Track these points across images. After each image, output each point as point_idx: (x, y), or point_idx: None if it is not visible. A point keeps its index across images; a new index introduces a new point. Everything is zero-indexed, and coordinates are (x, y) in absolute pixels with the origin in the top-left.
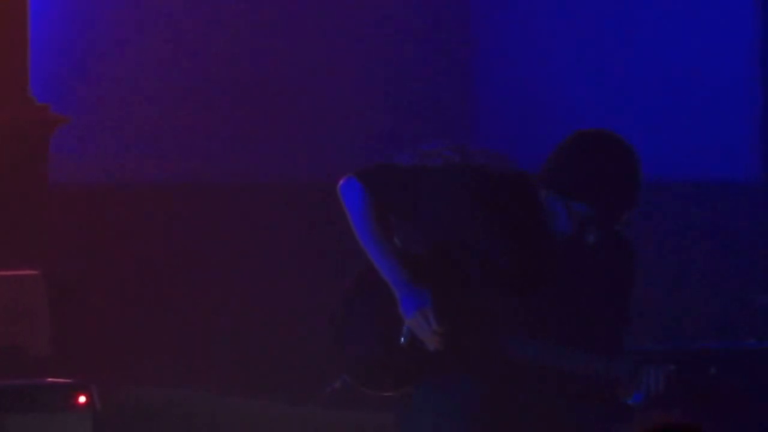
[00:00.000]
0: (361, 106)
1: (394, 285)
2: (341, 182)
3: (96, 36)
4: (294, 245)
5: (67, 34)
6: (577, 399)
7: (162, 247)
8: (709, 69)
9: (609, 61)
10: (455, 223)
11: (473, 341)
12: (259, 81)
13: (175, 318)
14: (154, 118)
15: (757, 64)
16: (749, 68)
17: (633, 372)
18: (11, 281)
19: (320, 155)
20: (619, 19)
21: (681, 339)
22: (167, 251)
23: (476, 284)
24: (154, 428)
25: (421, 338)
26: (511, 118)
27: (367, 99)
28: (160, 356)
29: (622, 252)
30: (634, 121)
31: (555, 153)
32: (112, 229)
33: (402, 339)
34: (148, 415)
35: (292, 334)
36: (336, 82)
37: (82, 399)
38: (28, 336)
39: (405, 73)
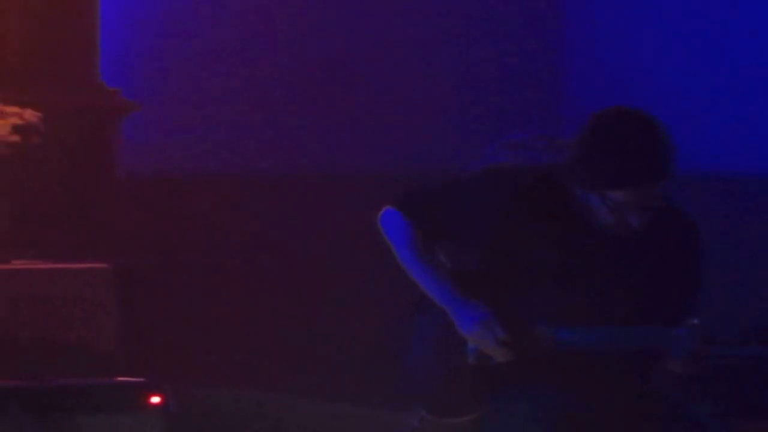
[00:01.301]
0: (452, 95)
1: (448, 306)
2: (380, 214)
3: (170, 19)
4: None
5: (140, 16)
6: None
7: (236, 240)
8: None
9: (697, 49)
10: (496, 233)
11: (536, 345)
12: (344, 66)
13: (249, 314)
14: (228, 106)
15: None
16: None
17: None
18: (80, 274)
19: (412, 144)
20: (709, 6)
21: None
22: (241, 244)
23: (527, 289)
24: (226, 430)
25: (487, 352)
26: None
27: (457, 88)
28: (233, 355)
29: (678, 228)
30: (723, 112)
31: (574, 147)
32: (184, 221)
33: (470, 359)
34: (221, 417)
35: (373, 334)
36: (427, 68)
37: (155, 399)
38: (97, 332)
39: (496, 61)
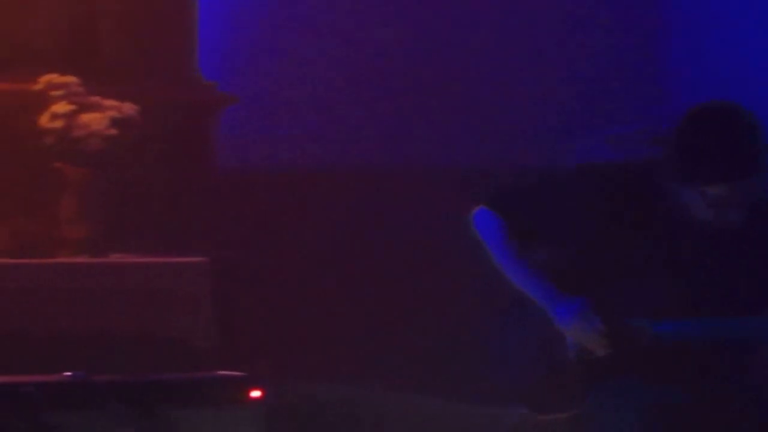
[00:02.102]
0: (548, 91)
1: (545, 302)
2: (473, 213)
3: (267, 11)
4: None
5: (236, 9)
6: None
7: (334, 235)
8: None
9: None
10: (590, 229)
11: (633, 338)
12: (438, 60)
13: (346, 309)
14: (326, 99)
15: None
16: None
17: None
18: (177, 268)
19: (507, 140)
20: None
21: None
22: (340, 239)
23: (622, 284)
24: (326, 425)
25: (586, 345)
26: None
27: (554, 83)
28: (331, 350)
29: None
30: None
31: (672, 142)
32: (282, 216)
33: (570, 354)
34: (319, 412)
35: (470, 331)
36: (524, 64)
37: (255, 393)
38: (194, 326)
39: (593, 56)
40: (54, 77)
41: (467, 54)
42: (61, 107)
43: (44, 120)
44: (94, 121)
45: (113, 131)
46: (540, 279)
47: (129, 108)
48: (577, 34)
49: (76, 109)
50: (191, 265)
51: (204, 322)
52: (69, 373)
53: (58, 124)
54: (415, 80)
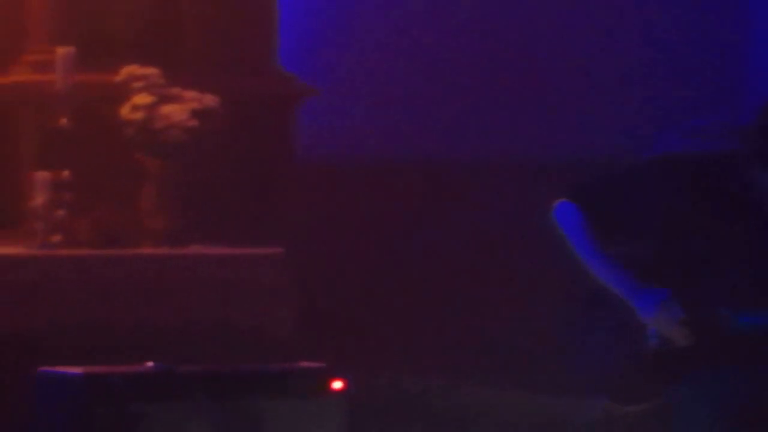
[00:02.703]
0: (632, 84)
1: (626, 294)
2: (554, 207)
3: (346, 3)
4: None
5: (316, 1)
6: None
7: (414, 226)
8: None
9: None
10: (671, 220)
11: (716, 328)
12: (521, 52)
13: (425, 300)
14: (405, 91)
15: None
16: None
17: None
18: (257, 260)
19: (586, 132)
20: None
21: None
22: (419, 230)
23: (704, 274)
24: (408, 416)
25: (669, 336)
26: None
27: (636, 76)
28: (412, 341)
29: None
30: None
31: (752, 132)
32: (360, 207)
33: (652, 344)
34: (400, 402)
35: (551, 323)
36: (606, 56)
37: (337, 385)
38: (273, 317)
39: (677, 48)
40: (135, 68)
41: (547, 46)
42: (142, 99)
43: (125, 111)
44: (175, 112)
45: (194, 123)
46: (622, 271)
47: (210, 99)
48: (658, 27)
49: (156, 101)
50: (272, 256)
51: (285, 313)
52: (152, 364)
53: (139, 115)
54: (496, 73)
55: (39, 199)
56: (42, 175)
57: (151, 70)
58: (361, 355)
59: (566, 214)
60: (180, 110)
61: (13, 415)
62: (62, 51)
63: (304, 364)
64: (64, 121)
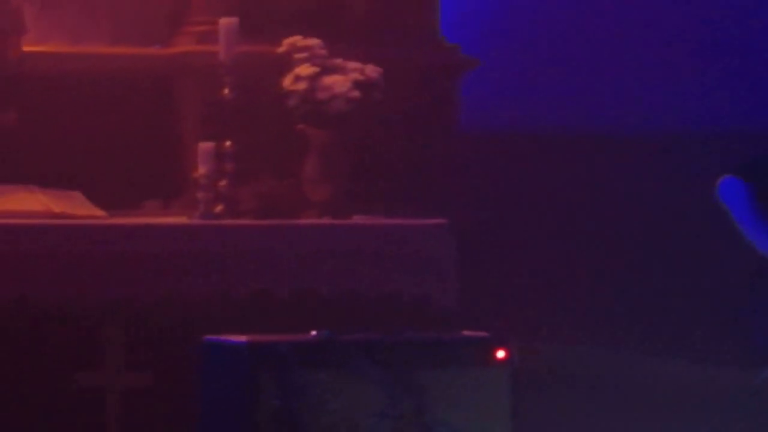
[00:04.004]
0: None
1: None
2: (719, 183)
3: None
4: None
5: None
6: None
7: (573, 198)
8: None
9: None
10: None
11: None
12: (691, 27)
13: (586, 271)
14: (567, 63)
15: None
16: None
17: None
18: (419, 231)
19: (747, 104)
20: None
21: None
22: (578, 202)
23: None
24: (569, 387)
25: None
26: None
27: None
28: (572, 312)
29: None
30: None
31: None
32: (522, 178)
33: None
34: (562, 372)
35: (713, 295)
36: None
37: (500, 354)
38: (436, 287)
39: None
40: (298, 39)
41: (690, 19)
42: (305, 69)
43: (287, 82)
44: (337, 83)
45: (356, 94)
46: None
47: (372, 70)
48: None
49: (319, 72)
50: (435, 227)
51: (449, 283)
52: (316, 333)
53: (301, 86)
54: (665, 46)
55: (202, 170)
56: (205, 146)
57: (313, 41)
58: (524, 325)
59: (731, 188)
60: (342, 81)
61: (180, 384)
62: (225, 22)
63: (468, 333)
64: (226, 91)
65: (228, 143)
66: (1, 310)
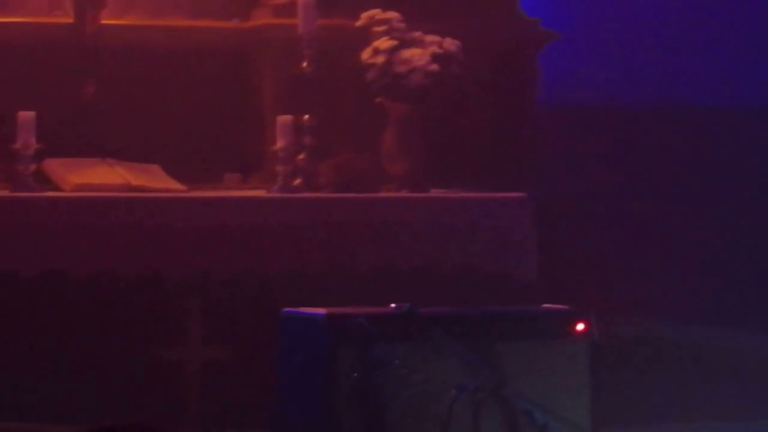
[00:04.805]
0: None
1: None
2: None
3: None
4: None
5: None
6: None
7: (656, 170)
8: None
9: None
10: None
11: None
12: None
13: (669, 246)
14: (647, 35)
15: None
16: None
17: None
18: (497, 204)
19: None
20: None
21: None
22: (662, 174)
23: None
24: (649, 361)
25: None
26: None
27: None
28: (652, 285)
29: None
30: None
31: None
32: (603, 152)
33: None
34: (643, 347)
35: None
36: None
37: (580, 327)
38: (514, 261)
39: None
40: (376, 12)
41: None
42: (383, 43)
43: (366, 55)
44: (416, 56)
45: (435, 67)
46: None
47: (450, 44)
48: None
49: (397, 45)
50: (515, 200)
51: (529, 257)
52: (394, 306)
53: (380, 59)
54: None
55: (280, 143)
56: (283, 119)
57: (392, 14)
58: (605, 298)
59: None
60: (421, 54)
61: (259, 356)
62: None
63: (548, 306)
64: (305, 65)
65: (306, 117)
66: (83, 283)
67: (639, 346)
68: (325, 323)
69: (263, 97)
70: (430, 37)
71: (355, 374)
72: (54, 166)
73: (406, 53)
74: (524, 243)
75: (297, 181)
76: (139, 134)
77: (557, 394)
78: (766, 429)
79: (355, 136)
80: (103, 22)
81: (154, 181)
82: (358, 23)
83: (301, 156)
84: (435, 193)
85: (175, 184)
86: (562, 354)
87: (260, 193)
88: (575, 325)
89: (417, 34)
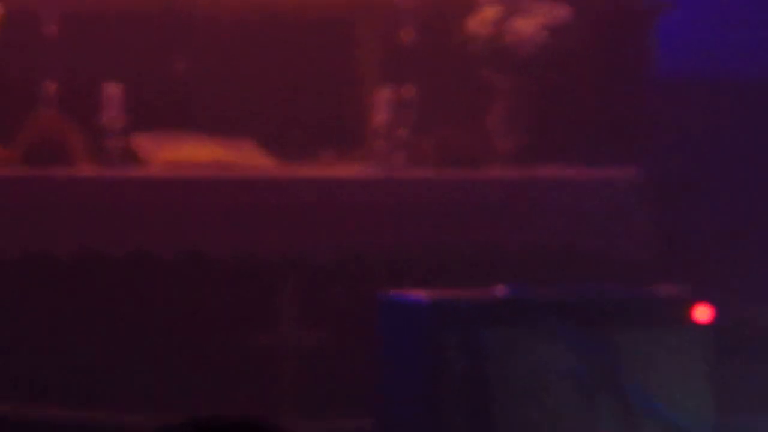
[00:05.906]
0: None
1: None
2: None
3: None
4: None
5: None
6: None
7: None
8: None
9: None
10: None
11: None
12: None
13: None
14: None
15: None
16: None
17: None
18: (608, 182)
19: None
20: None
21: None
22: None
23: None
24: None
25: None
26: None
27: None
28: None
29: None
30: None
31: None
32: (717, 126)
33: None
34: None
35: None
36: None
37: (699, 313)
38: (625, 240)
39: None
40: None
41: None
42: (491, 12)
43: (473, 25)
44: (525, 26)
45: (545, 37)
46: None
47: (561, 12)
48: None
49: (506, 14)
50: (625, 178)
51: (637, 235)
52: (501, 287)
53: (488, 29)
54: None
55: (380, 118)
56: (384, 93)
57: None
58: (721, 282)
59: None
60: (531, 24)
61: (360, 338)
62: None
63: (664, 290)
64: (407, 34)
65: (408, 89)
66: (175, 265)
67: (764, 335)
68: (428, 309)
69: (362, 68)
70: (540, 6)
71: (461, 361)
72: (143, 141)
73: (515, 23)
74: (635, 221)
75: (398, 158)
76: (232, 107)
77: (674, 383)
78: None
79: (459, 110)
80: None
81: (246, 157)
82: None
83: (403, 131)
84: (544, 170)
85: (267, 160)
86: (680, 341)
87: (358, 170)
88: (694, 311)
89: (526, 2)
